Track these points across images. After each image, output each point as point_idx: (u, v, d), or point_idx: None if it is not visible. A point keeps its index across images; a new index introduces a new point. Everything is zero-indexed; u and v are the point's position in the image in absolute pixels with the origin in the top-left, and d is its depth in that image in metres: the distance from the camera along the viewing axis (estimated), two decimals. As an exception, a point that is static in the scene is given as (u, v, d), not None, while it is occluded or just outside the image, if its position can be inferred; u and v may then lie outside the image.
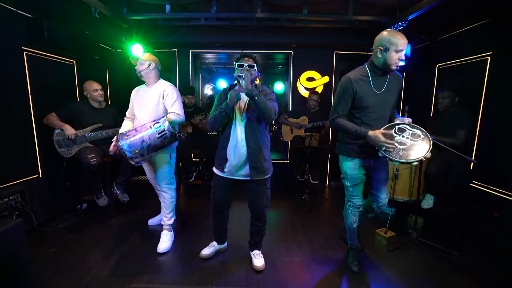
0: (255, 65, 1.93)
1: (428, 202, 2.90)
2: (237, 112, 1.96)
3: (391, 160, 1.77)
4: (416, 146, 1.74)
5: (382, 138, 1.72)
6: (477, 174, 2.76)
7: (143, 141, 2.08)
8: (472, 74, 2.85)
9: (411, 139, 1.78)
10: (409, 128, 1.83)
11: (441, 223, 2.91)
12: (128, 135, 2.12)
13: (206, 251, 2.29)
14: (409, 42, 3.53)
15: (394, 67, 1.81)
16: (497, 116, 2.60)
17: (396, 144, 1.75)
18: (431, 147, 1.71)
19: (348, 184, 2.06)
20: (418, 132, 1.80)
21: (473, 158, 2.73)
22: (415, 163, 1.71)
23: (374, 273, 2.14)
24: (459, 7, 2.85)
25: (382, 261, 2.29)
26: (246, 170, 1.98)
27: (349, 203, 2.09)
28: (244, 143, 1.93)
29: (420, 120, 3.26)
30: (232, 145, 1.96)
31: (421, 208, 2.87)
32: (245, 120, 1.94)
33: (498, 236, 2.49)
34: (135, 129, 2.16)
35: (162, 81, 2.46)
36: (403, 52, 1.77)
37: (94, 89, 2.97)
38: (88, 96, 2.99)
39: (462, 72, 3.01)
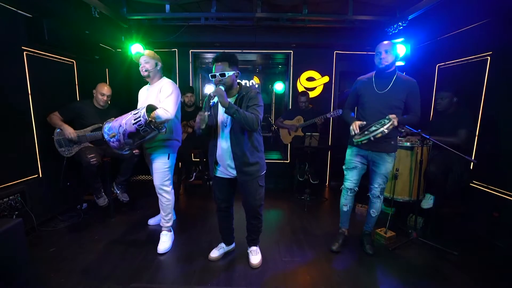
0: (226, 73, 1.82)
1: (428, 202, 2.90)
2: (219, 121, 1.96)
3: (353, 140, 2.17)
4: (376, 131, 2.03)
5: (353, 125, 2.16)
6: (477, 174, 2.76)
7: (120, 125, 2.03)
8: (472, 74, 2.85)
9: (376, 126, 2.08)
10: (386, 120, 2.06)
11: (441, 223, 2.91)
12: (112, 119, 2.12)
13: (215, 254, 2.26)
14: (408, 42, 3.55)
15: (380, 66, 2.18)
16: (497, 116, 2.60)
17: (366, 132, 2.10)
18: (385, 130, 1.98)
19: (344, 167, 2.42)
20: (387, 121, 2.04)
21: (473, 158, 2.73)
22: (364, 141, 2.06)
23: (374, 273, 2.14)
24: (459, 7, 2.86)
25: (382, 261, 2.29)
26: (234, 170, 1.98)
27: (343, 186, 2.42)
28: (229, 149, 1.92)
29: (420, 120, 3.27)
30: (219, 152, 1.98)
31: (421, 208, 2.87)
32: (229, 128, 1.91)
33: (498, 236, 2.49)
34: (122, 116, 2.13)
35: (164, 78, 2.39)
36: (382, 53, 2.15)
37: (102, 93, 2.96)
38: (94, 95, 2.99)
39: (462, 72, 3.01)
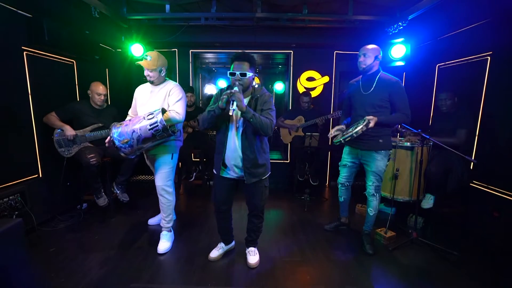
0: (247, 73, 1.80)
1: (428, 202, 2.90)
2: (232, 122, 1.92)
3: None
4: (346, 135, 2.21)
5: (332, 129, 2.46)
6: (477, 174, 2.76)
7: (133, 131, 2.01)
8: (472, 74, 2.85)
9: (352, 128, 2.23)
10: (361, 121, 2.19)
11: (441, 223, 2.91)
12: (121, 124, 2.09)
13: (215, 254, 2.26)
14: (408, 42, 3.55)
15: (360, 69, 2.36)
16: (497, 116, 2.60)
17: (345, 133, 2.27)
18: (354, 133, 2.13)
19: (339, 163, 2.61)
20: (361, 122, 2.17)
21: (473, 158, 2.73)
22: (337, 143, 2.28)
23: (374, 273, 2.14)
24: (459, 7, 2.86)
25: (382, 261, 2.29)
26: (242, 171, 1.97)
27: (338, 180, 2.62)
28: (240, 150, 1.92)
29: (420, 120, 3.28)
30: (228, 151, 1.96)
31: (421, 208, 2.87)
32: (241, 129, 1.89)
33: (498, 236, 2.49)
34: (130, 120, 2.12)
35: (169, 81, 2.40)
36: (361, 57, 2.32)
37: (98, 92, 2.95)
38: (90, 96, 2.99)
39: (462, 72, 3.01)
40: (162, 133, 2.04)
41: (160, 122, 1.99)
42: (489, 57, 2.66)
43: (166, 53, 4.20)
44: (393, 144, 2.73)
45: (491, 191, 2.59)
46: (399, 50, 3.54)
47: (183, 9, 3.48)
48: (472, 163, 2.80)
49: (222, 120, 1.93)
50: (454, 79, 3.12)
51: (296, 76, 4.33)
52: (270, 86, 6.66)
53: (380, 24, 3.42)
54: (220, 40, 3.96)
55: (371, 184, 2.36)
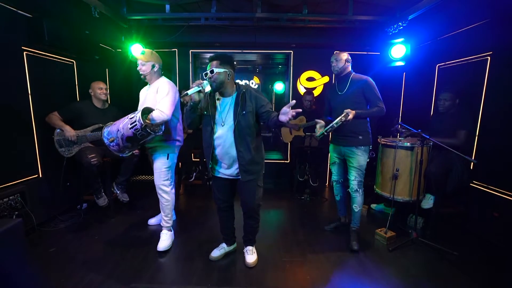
0: (214, 69, 1.84)
1: (428, 202, 2.90)
2: (222, 117, 1.94)
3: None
4: (327, 127, 2.31)
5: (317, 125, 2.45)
6: (477, 174, 2.76)
7: (118, 130, 2.07)
8: (472, 74, 2.85)
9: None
10: (342, 117, 2.30)
11: (441, 223, 2.91)
12: (111, 123, 2.17)
13: (216, 253, 2.27)
14: (408, 42, 3.55)
15: (334, 72, 2.54)
16: (497, 116, 2.60)
17: (326, 127, 2.35)
18: (335, 124, 2.23)
19: (330, 163, 2.80)
20: (338, 118, 2.28)
21: (473, 158, 2.73)
22: (321, 135, 2.36)
23: (374, 273, 2.13)
24: (459, 7, 2.86)
25: (382, 261, 2.29)
26: (236, 170, 1.99)
27: (332, 178, 2.75)
28: (233, 149, 1.93)
29: (420, 120, 3.27)
30: (220, 150, 1.97)
31: (421, 208, 2.87)
32: (232, 126, 1.91)
33: (498, 236, 2.49)
34: (119, 120, 2.17)
35: (162, 78, 2.40)
36: (333, 62, 2.49)
37: (99, 87, 3.00)
38: (92, 94, 3.01)
39: (462, 72, 3.01)
40: (141, 132, 2.05)
41: (138, 121, 2.01)
42: (489, 57, 2.66)
43: (166, 53, 4.22)
44: (393, 144, 2.74)
45: (491, 191, 2.59)
46: (399, 50, 3.54)
47: (183, 9, 3.48)
48: (472, 163, 2.80)
49: (207, 122, 1.97)
50: (454, 79, 3.12)
51: (296, 76, 4.33)
52: (270, 86, 6.66)
53: (380, 24, 3.42)
54: (220, 40, 3.96)
55: (353, 179, 2.45)
